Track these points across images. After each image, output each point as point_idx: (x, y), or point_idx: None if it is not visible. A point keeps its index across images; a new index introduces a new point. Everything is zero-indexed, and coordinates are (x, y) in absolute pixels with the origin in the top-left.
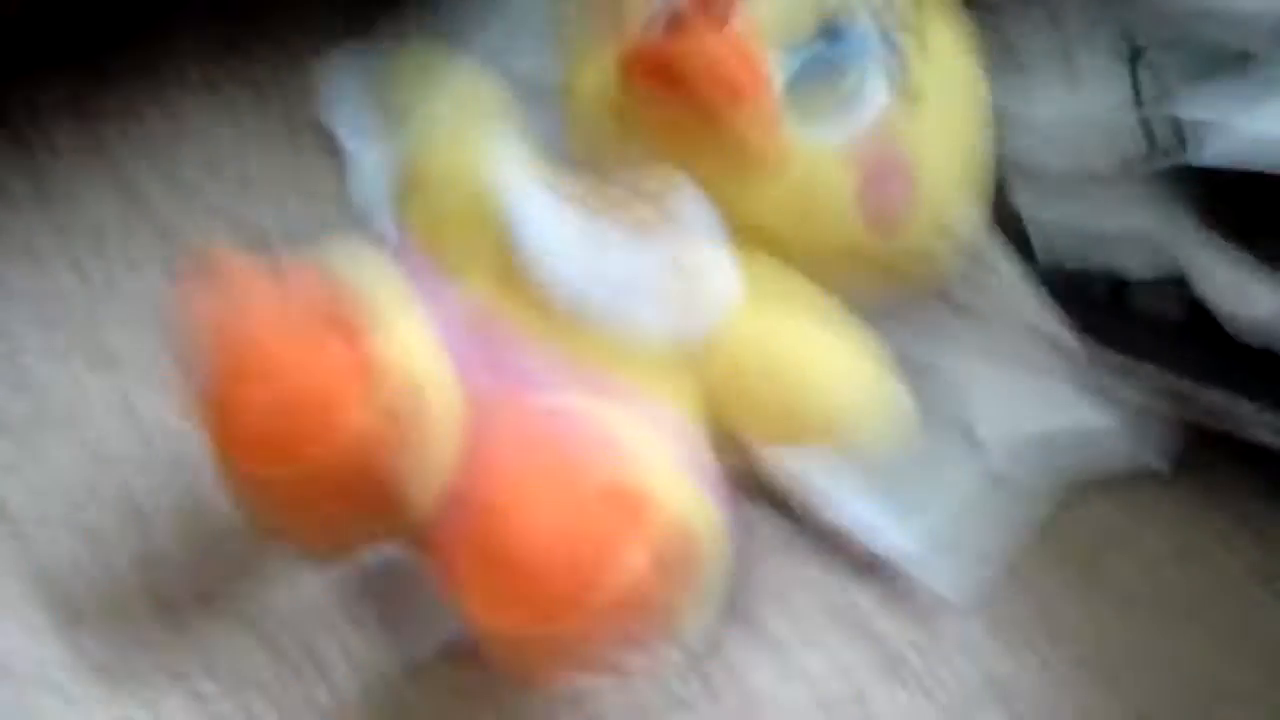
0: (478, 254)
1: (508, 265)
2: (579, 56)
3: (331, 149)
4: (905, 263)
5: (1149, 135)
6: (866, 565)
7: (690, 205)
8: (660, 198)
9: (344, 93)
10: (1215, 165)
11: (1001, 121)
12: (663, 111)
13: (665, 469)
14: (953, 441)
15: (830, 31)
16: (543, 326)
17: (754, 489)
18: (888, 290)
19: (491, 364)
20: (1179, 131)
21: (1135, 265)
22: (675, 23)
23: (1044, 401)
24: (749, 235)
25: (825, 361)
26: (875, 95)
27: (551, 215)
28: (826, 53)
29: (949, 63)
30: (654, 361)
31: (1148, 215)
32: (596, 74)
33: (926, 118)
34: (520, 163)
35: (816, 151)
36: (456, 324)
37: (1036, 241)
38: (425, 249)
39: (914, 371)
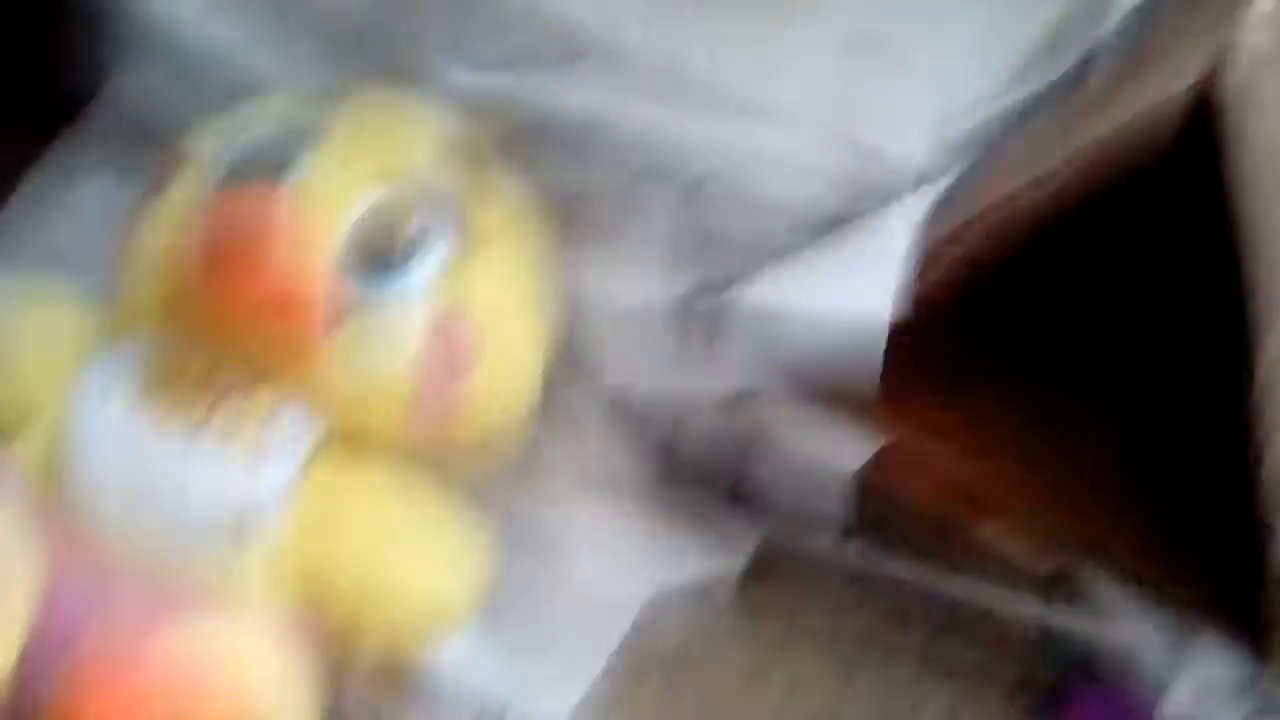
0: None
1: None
2: (144, 203)
3: None
4: (478, 407)
5: (701, 271)
6: None
7: (259, 368)
8: (228, 361)
9: None
10: (760, 308)
11: (566, 260)
12: (223, 266)
13: (268, 688)
14: (545, 568)
15: (392, 185)
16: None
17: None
18: (465, 437)
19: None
20: (729, 269)
21: (701, 391)
22: (238, 178)
23: (628, 524)
24: (319, 395)
25: (403, 543)
26: (437, 247)
27: (115, 430)
28: (388, 207)
29: (511, 210)
30: (238, 561)
31: (712, 344)
32: (160, 222)
33: (490, 267)
34: (93, 378)
35: (379, 305)
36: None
37: (605, 376)
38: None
39: (500, 509)
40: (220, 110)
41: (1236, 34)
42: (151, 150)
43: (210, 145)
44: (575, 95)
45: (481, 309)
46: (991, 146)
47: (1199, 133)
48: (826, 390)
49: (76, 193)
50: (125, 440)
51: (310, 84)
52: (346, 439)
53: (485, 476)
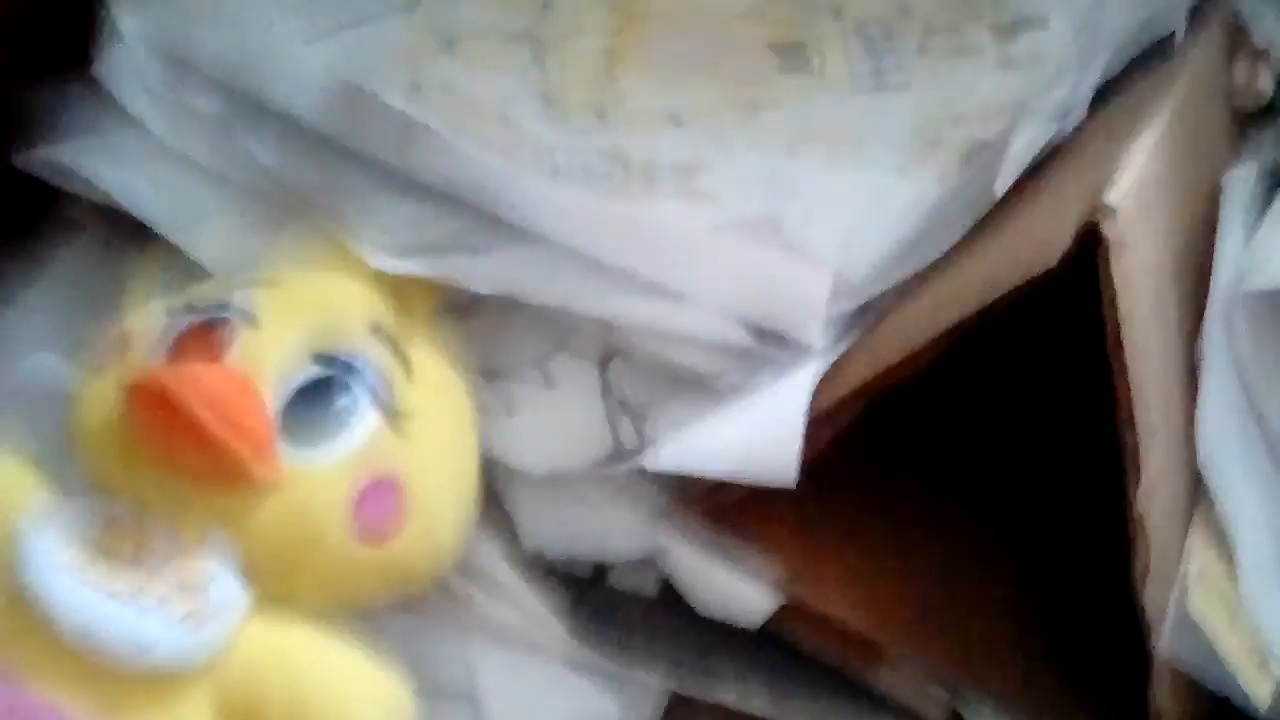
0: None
1: (18, 609)
2: (85, 378)
3: None
4: (403, 570)
5: (615, 436)
6: None
7: (198, 531)
8: (169, 525)
9: None
10: (670, 470)
11: (489, 427)
12: (162, 438)
13: None
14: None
15: (322, 360)
16: (57, 671)
17: None
18: (392, 593)
19: None
20: (641, 434)
21: (615, 549)
22: (175, 353)
23: (545, 677)
24: (254, 557)
25: (333, 675)
26: (366, 417)
27: (60, 553)
28: (319, 380)
29: (436, 380)
30: (172, 688)
31: (626, 504)
32: (100, 396)
33: (416, 435)
34: (35, 506)
35: (310, 473)
36: None
37: (524, 537)
38: None
39: (424, 661)
40: (157, 286)
41: (1107, 193)
42: (91, 324)
43: (146, 322)
44: (495, 276)
45: (408, 477)
46: (879, 316)
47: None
48: (729, 547)
49: (17, 368)
50: (68, 599)
51: (259, 250)
52: (277, 599)
53: (409, 631)
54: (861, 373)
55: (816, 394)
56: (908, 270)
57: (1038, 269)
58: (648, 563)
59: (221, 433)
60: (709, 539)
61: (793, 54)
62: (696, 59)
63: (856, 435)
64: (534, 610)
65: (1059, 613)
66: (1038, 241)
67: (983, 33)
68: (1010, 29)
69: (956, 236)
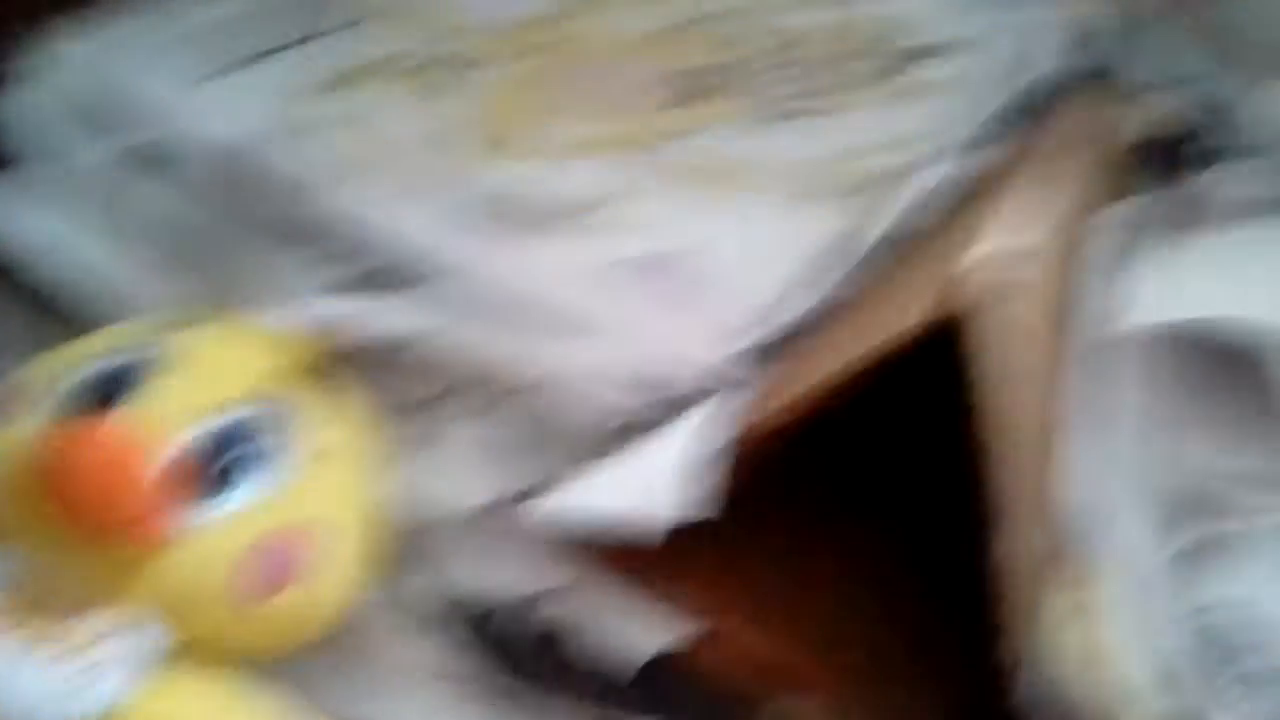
0: None
1: None
2: None
3: None
4: (304, 618)
5: (502, 482)
6: None
7: (95, 608)
8: (68, 605)
9: None
10: (549, 521)
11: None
12: (47, 497)
13: None
14: None
15: (226, 408)
16: None
17: None
18: (292, 642)
19: None
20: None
21: (509, 587)
22: (70, 408)
23: (456, 713)
24: (155, 624)
25: None
26: (271, 465)
27: None
28: (220, 431)
29: (338, 424)
30: None
31: (517, 544)
32: None
33: (322, 482)
34: None
35: (210, 524)
36: None
37: (424, 576)
38: None
39: (335, 697)
40: (63, 335)
41: (966, 268)
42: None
43: (49, 375)
44: (394, 316)
45: (312, 523)
46: (773, 355)
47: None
48: (628, 580)
49: None
50: None
51: (154, 301)
52: (181, 649)
53: (316, 672)
54: (772, 412)
55: (727, 432)
56: (810, 304)
57: (919, 323)
58: (548, 600)
59: (116, 487)
60: (609, 577)
61: (689, 84)
62: (591, 90)
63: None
64: (441, 648)
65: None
66: (922, 294)
67: (874, 64)
68: (902, 61)
69: (857, 271)
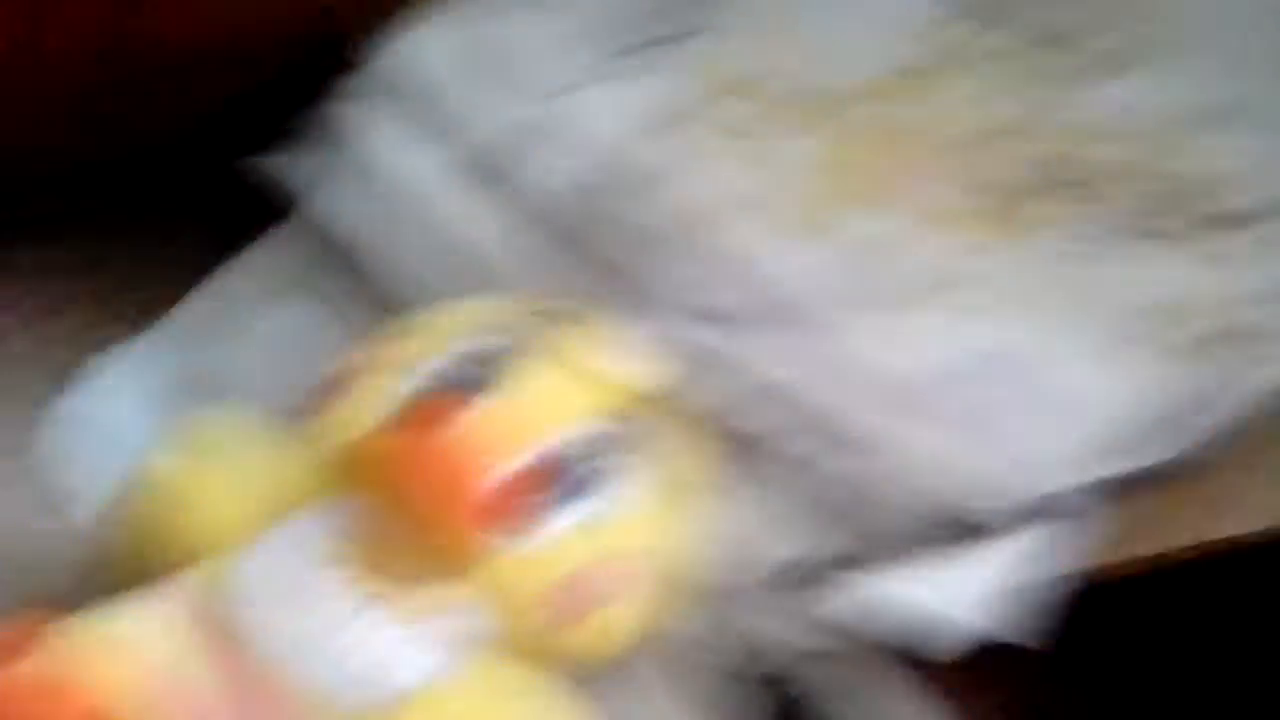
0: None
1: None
2: (331, 426)
3: None
4: (599, 647)
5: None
6: None
7: (433, 583)
8: (408, 574)
9: None
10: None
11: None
12: (408, 493)
13: None
14: None
15: (593, 417)
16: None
17: None
18: (581, 666)
19: None
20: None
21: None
22: (414, 410)
23: None
24: (482, 612)
25: None
26: (618, 484)
27: (299, 584)
28: (590, 438)
29: (687, 461)
30: None
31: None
32: (353, 448)
33: (657, 511)
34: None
35: (549, 535)
36: None
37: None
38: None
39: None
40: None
41: None
42: (344, 279)
43: (416, 346)
44: (755, 356)
45: (634, 554)
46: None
47: None
48: (907, 663)
49: (267, 319)
50: (304, 596)
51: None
52: (499, 641)
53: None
54: (1124, 561)
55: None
56: (1170, 454)
57: None
58: (824, 662)
59: (477, 472)
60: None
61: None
62: (947, 160)
63: None
64: (705, 691)
65: None
66: None
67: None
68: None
69: (1220, 436)
